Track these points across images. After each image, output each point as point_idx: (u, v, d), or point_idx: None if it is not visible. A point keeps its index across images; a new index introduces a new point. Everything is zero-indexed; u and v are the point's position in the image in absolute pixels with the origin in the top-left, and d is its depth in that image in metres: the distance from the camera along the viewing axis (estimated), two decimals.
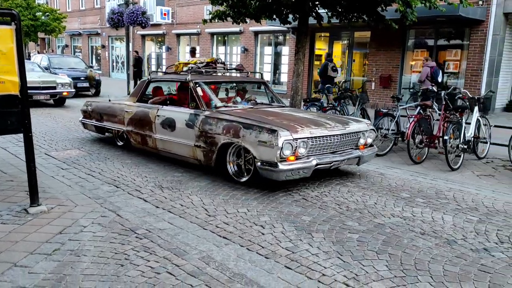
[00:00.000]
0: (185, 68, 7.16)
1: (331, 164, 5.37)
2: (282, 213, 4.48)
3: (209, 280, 3.06)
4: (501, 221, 4.41)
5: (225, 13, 10.17)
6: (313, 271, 3.25)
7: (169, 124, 6.14)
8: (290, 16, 10.25)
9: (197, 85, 6.24)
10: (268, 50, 20.49)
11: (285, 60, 19.36)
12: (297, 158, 5.00)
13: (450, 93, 8.28)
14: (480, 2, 12.82)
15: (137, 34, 27.24)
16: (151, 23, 18.78)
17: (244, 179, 5.40)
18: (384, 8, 9.24)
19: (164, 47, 26.20)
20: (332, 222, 4.27)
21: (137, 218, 4.21)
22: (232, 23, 10.58)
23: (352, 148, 5.74)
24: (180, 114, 6.10)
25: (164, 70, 9.68)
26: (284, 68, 19.42)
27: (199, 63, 7.13)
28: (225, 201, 4.83)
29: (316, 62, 18.05)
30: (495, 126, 8.10)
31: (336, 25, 11.38)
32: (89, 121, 7.99)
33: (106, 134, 7.94)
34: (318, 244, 3.74)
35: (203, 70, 6.87)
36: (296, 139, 4.95)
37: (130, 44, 18.79)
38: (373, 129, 6.08)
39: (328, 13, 10.03)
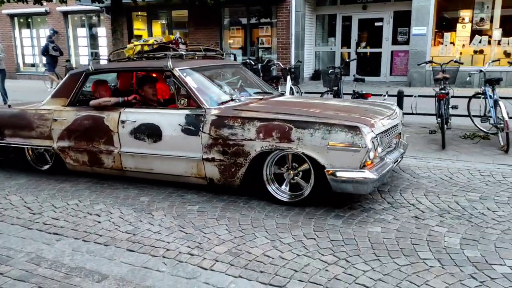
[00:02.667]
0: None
1: (399, 162, 4.44)
2: (119, 198, 4.30)
3: (42, 281, 2.78)
4: None
5: None
6: (157, 248, 3.22)
7: (149, 133, 4.34)
8: None
9: (185, 74, 4.44)
10: (82, 31, 18.98)
11: (103, 42, 18.22)
12: (372, 160, 3.80)
13: (265, 65, 8.98)
14: None
15: None
16: None
17: (301, 197, 3.96)
18: None
19: None
20: (171, 198, 4.27)
21: None
22: (34, 3, 9.45)
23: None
24: (167, 116, 4.32)
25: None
26: (104, 50, 18.27)
27: (156, 43, 5.29)
28: (52, 195, 4.40)
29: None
30: (305, 92, 9.10)
31: (151, 3, 11.15)
32: None
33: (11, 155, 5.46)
34: (159, 221, 3.71)
35: (183, 53, 4.94)
36: (377, 135, 3.75)
37: None
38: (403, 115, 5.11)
39: None
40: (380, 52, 14.21)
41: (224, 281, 2.75)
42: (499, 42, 12.13)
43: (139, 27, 17.61)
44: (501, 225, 3.40)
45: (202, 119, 4.13)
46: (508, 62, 7.12)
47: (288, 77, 8.16)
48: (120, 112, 4.53)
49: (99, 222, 3.72)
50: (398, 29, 13.76)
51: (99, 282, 2.78)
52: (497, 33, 12.11)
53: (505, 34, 12.08)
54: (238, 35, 15.80)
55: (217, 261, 3.01)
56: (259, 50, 15.47)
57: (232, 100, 4.53)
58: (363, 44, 14.71)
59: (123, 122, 4.47)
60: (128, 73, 5.47)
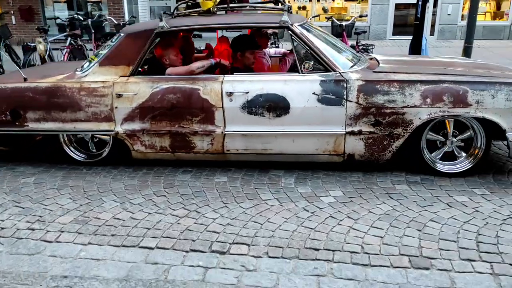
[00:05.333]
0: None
1: None
2: None
3: None
4: None
5: None
6: None
7: (271, 106, 3.54)
8: None
9: (306, 32, 3.70)
10: None
11: None
12: None
13: (96, 21, 8.36)
14: None
15: None
16: None
17: (463, 168, 3.60)
18: None
19: None
20: (0, 172, 3.83)
21: None
22: None
23: None
24: (295, 84, 3.54)
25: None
26: None
27: None
28: None
29: None
30: None
31: None
32: None
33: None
34: None
35: (290, 5, 3.95)
36: None
37: None
38: None
39: None
40: None
41: (73, 251, 2.64)
42: None
43: None
44: (324, 165, 3.91)
45: (345, 85, 3.48)
46: (326, 18, 7.95)
47: None
48: (222, 82, 3.62)
49: None
50: None
51: None
52: None
53: None
54: None
55: (62, 232, 2.86)
56: (87, 4, 14.22)
57: (354, 62, 3.83)
58: None
59: (229, 94, 3.57)
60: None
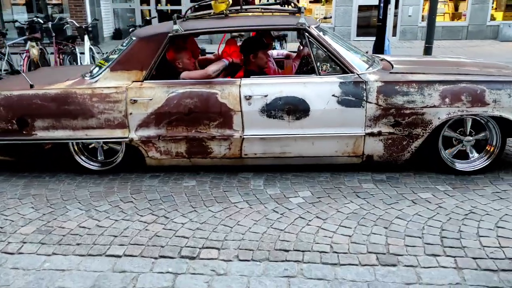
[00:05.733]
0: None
1: None
2: None
3: None
4: None
5: None
6: None
7: (290, 109, 3.50)
8: None
9: (322, 34, 3.68)
10: None
11: None
12: None
13: (57, 24, 8.15)
14: None
15: None
16: None
17: (480, 165, 3.65)
18: None
19: None
20: None
21: None
22: None
23: None
24: (314, 86, 3.52)
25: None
26: None
27: None
28: None
29: None
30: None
31: None
32: None
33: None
34: None
35: (301, 7, 3.85)
36: None
37: None
38: None
39: None
40: (180, 9, 14.24)
41: (36, 262, 2.55)
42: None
43: None
44: (292, 165, 3.93)
45: (364, 86, 3.48)
46: None
47: (86, 37, 7.57)
48: (240, 85, 3.55)
49: None
50: None
51: None
52: None
53: None
54: None
55: (25, 242, 2.76)
56: (48, 7, 13.83)
57: (370, 63, 3.83)
58: (164, 1, 14.50)
59: (248, 97, 3.51)
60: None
